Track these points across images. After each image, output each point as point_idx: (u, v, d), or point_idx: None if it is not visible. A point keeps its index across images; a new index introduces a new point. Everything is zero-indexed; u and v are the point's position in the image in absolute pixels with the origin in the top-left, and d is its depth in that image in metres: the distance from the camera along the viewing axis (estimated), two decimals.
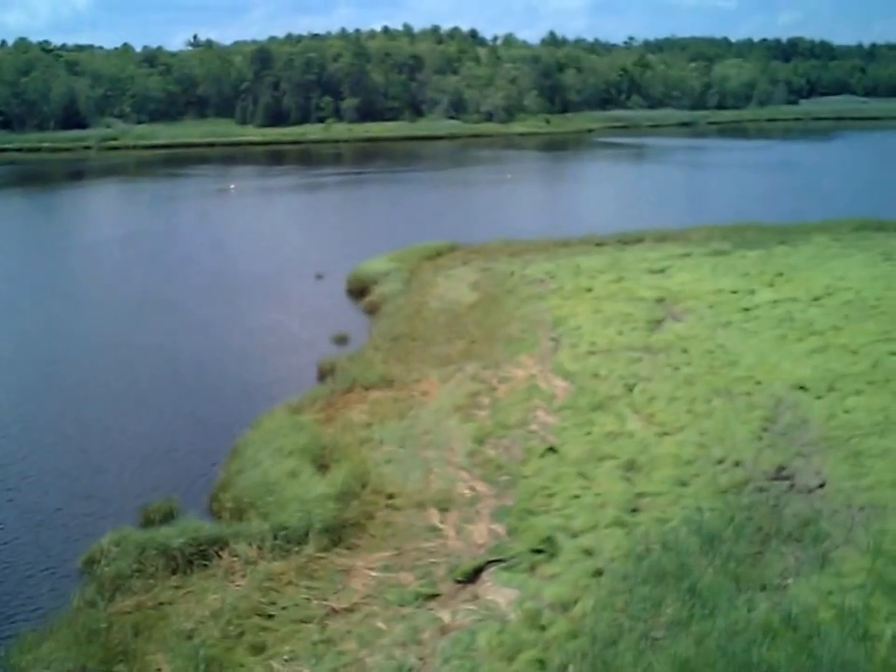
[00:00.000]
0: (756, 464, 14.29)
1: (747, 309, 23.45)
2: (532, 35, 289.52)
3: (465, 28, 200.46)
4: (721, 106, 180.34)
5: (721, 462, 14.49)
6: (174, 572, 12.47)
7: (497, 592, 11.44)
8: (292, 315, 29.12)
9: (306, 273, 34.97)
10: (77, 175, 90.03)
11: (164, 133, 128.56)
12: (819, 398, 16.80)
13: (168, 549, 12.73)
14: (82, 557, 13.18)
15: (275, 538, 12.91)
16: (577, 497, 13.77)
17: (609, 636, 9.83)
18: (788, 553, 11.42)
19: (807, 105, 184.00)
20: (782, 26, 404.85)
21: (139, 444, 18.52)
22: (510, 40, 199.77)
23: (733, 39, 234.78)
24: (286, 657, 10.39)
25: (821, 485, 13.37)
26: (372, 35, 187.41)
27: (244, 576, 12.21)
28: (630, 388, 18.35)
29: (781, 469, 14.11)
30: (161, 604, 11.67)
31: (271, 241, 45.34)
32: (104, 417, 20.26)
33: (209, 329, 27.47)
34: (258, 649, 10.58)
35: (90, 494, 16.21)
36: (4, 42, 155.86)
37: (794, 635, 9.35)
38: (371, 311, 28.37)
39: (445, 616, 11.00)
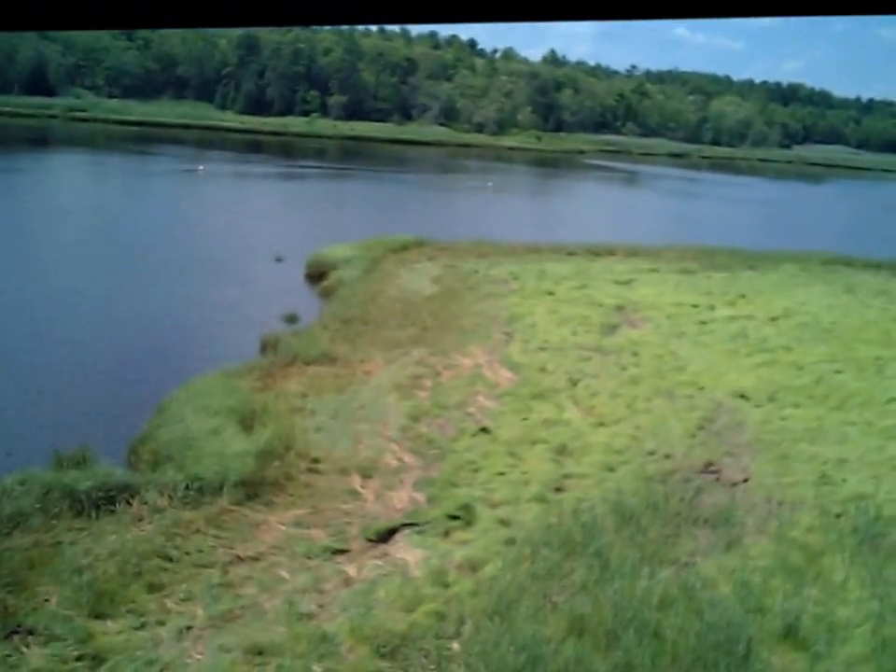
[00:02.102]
0: (686, 458, 14.76)
1: (703, 322, 24.07)
2: (534, 54, 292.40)
3: (464, 38, 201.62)
4: (715, 142, 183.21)
5: (651, 454, 14.96)
6: (78, 515, 12.50)
7: (408, 552, 11.76)
8: (245, 294, 29.37)
9: (266, 256, 35.24)
10: (38, 141, 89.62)
11: (137, 109, 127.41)
12: (758, 406, 17.35)
13: (74, 491, 12.75)
14: None
15: (188, 488, 13.00)
16: (503, 473, 14.16)
17: (510, 596, 10.16)
18: (700, 536, 11.85)
19: (801, 150, 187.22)
20: (785, 72, 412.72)
21: (62, 400, 18.63)
22: (509, 54, 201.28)
23: (735, 79, 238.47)
24: (181, 597, 10.63)
25: (745, 480, 13.87)
26: (367, 33, 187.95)
27: (150, 523, 12.41)
28: (574, 383, 18.81)
29: (709, 464, 14.59)
30: (60, 543, 11.75)
31: (234, 223, 45.54)
32: (38, 368, 20.43)
33: (156, 301, 27.56)
34: (154, 587, 10.75)
35: (5, 437, 16.40)
36: None
37: (690, 602, 9.76)
38: (327, 295, 28.73)
39: (351, 570, 11.29)
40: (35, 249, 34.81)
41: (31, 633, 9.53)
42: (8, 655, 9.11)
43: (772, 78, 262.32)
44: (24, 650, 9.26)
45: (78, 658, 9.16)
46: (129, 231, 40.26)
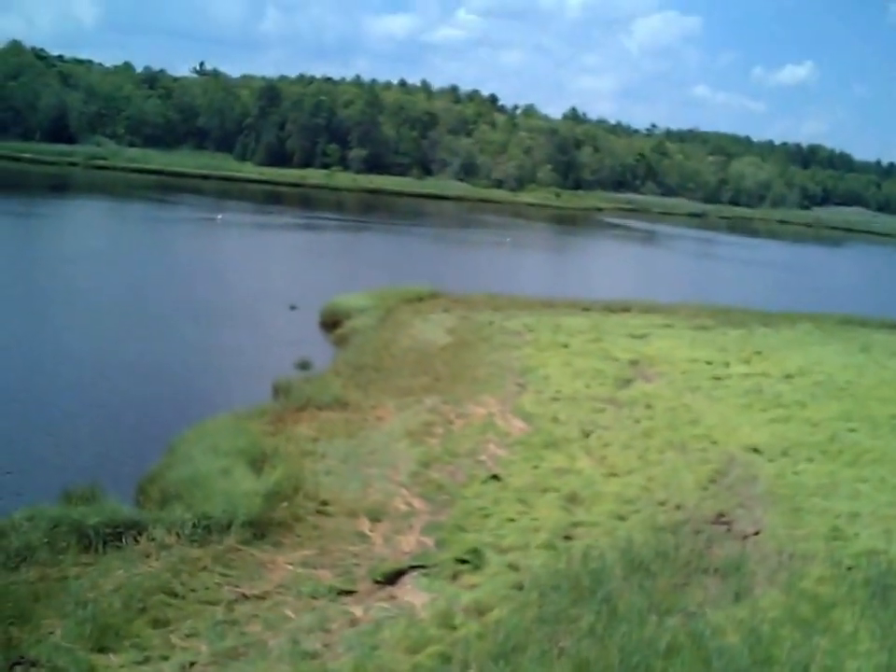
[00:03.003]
0: (697, 509, 14.78)
1: (718, 378, 24.16)
2: (555, 111, 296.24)
3: (485, 93, 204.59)
4: (734, 203, 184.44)
5: (662, 504, 15.00)
6: (85, 550, 12.60)
7: (415, 594, 11.82)
8: (258, 340, 29.71)
9: (281, 304, 35.65)
10: (58, 188, 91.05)
11: (158, 159, 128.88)
12: (771, 460, 17.37)
13: (82, 526, 12.85)
14: None
15: (195, 526, 13.10)
16: (512, 520, 14.23)
17: (517, 640, 10.18)
18: (710, 585, 11.85)
19: (820, 213, 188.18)
20: (805, 134, 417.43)
21: (74, 439, 18.89)
22: (529, 111, 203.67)
23: (755, 139, 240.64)
24: (186, 632, 10.71)
25: (756, 533, 13.87)
26: (388, 86, 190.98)
27: (157, 559, 12.51)
28: (587, 434, 18.90)
29: (721, 515, 14.60)
30: (66, 577, 11.84)
31: (250, 271, 46.12)
32: (56, 408, 20.80)
33: (170, 346, 27.88)
34: (159, 623, 10.82)
35: (12, 471, 16.61)
36: None
37: (697, 650, 9.76)
38: (341, 343, 29.01)
39: (357, 611, 11.35)
40: (52, 293, 35.32)
41: (34, 664, 9.62)
42: None
43: (792, 140, 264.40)
44: None
45: None
46: (146, 277, 40.79)
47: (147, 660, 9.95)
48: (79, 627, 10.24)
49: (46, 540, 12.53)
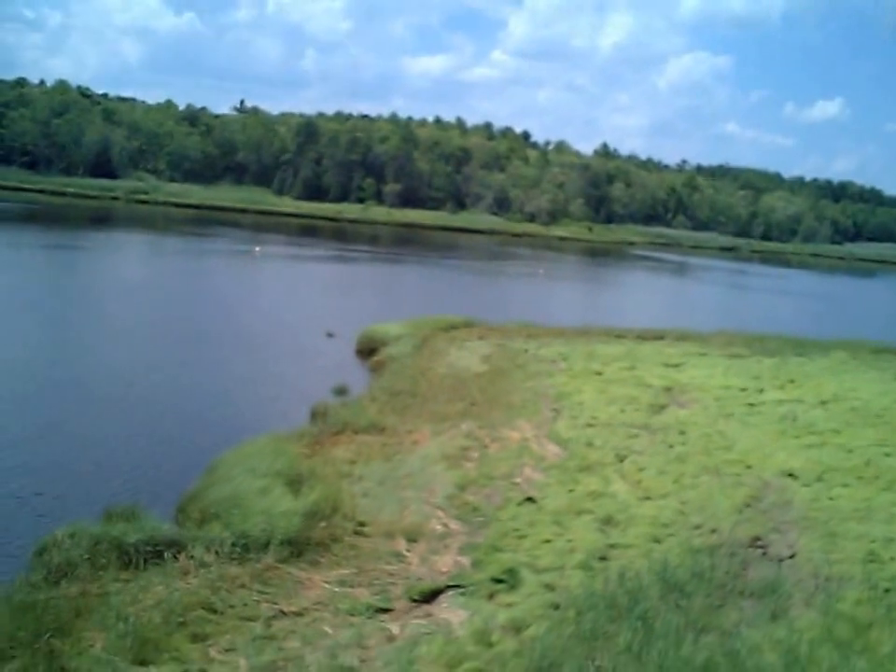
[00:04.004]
0: (732, 533, 14.57)
1: (752, 405, 23.90)
2: (586, 147, 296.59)
3: (518, 130, 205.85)
4: (765, 237, 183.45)
5: (697, 528, 14.81)
6: (125, 566, 12.70)
7: (451, 612, 11.75)
8: (296, 367, 29.93)
9: (318, 332, 35.89)
10: (100, 221, 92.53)
11: (197, 193, 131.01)
12: (806, 485, 17.10)
13: (122, 544, 12.97)
14: (34, 547, 13.40)
15: (234, 544, 13.18)
16: (548, 541, 14.12)
17: (554, 656, 10.09)
18: (746, 607, 11.68)
19: (852, 247, 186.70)
20: (835, 171, 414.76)
21: (115, 461, 19.09)
22: (561, 147, 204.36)
23: (785, 175, 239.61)
24: (225, 647, 10.72)
25: (792, 556, 13.66)
26: (423, 123, 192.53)
27: (196, 576, 12.55)
28: (621, 458, 18.75)
29: (756, 539, 14.39)
30: (107, 592, 11.92)
31: (288, 301, 46.55)
32: (100, 430, 21.14)
33: (211, 370, 28.20)
34: (198, 637, 10.87)
35: (59, 493, 16.79)
36: (42, 81, 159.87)
37: (735, 667, 9.62)
38: (377, 370, 29.12)
39: (394, 628, 11.32)
40: (97, 321, 35.82)
41: None
42: None
43: (822, 176, 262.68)
44: None
45: None
46: (186, 307, 41.27)
47: None
48: (120, 640, 10.29)
49: (87, 557, 12.65)
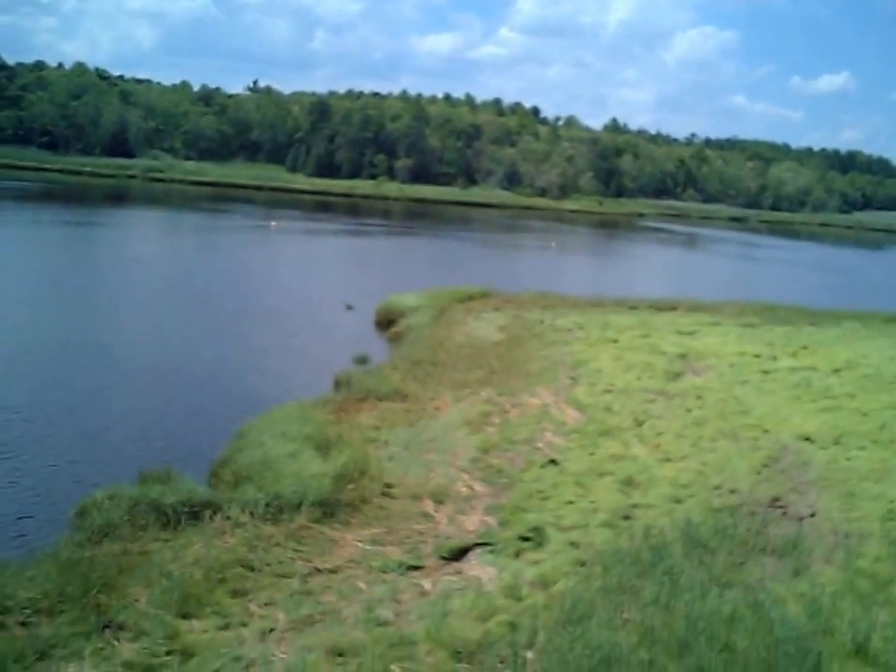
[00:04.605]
0: (751, 493, 14.70)
1: (766, 372, 23.92)
2: (595, 122, 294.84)
3: (527, 106, 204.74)
4: (774, 208, 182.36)
5: (717, 488, 14.94)
6: (164, 527, 12.95)
7: (481, 569, 11.94)
8: (317, 338, 30.10)
9: (337, 304, 36.03)
10: (117, 198, 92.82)
11: (212, 171, 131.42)
12: (823, 448, 17.17)
13: (160, 505, 13.24)
14: (74, 509, 13.69)
15: (268, 505, 13.44)
16: (571, 502, 14.29)
17: (582, 609, 10.26)
18: (768, 564, 11.81)
19: (861, 217, 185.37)
20: (843, 141, 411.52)
21: (147, 429, 19.38)
22: (571, 122, 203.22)
23: (793, 147, 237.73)
24: (264, 602, 10.94)
25: (812, 515, 13.78)
26: (433, 100, 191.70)
27: (232, 536, 12.78)
28: (640, 423, 18.88)
29: (775, 499, 14.51)
30: (147, 551, 12.19)
31: (305, 274, 46.67)
32: (129, 400, 21.42)
33: (234, 343, 28.38)
34: (237, 593, 11.10)
35: (93, 461, 17.04)
36: (61, 64, 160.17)
37: (759, 619, 9.77)
38: (396, 340, 29.29)
39: (426, 584, 11.51)
40: (120, 296, 36.00)
41: (121, 628, 9.90)
42: (102, 648, 9.45)
43: (830, 146, 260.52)
44: (115, 643, 9.60)
45: (167, 653, 9.47)
46: (207, 280, 41.42)
47: (227, 626, 10.18)
48: (163, 595, 10.52)
49: (127, 518, 12.90)
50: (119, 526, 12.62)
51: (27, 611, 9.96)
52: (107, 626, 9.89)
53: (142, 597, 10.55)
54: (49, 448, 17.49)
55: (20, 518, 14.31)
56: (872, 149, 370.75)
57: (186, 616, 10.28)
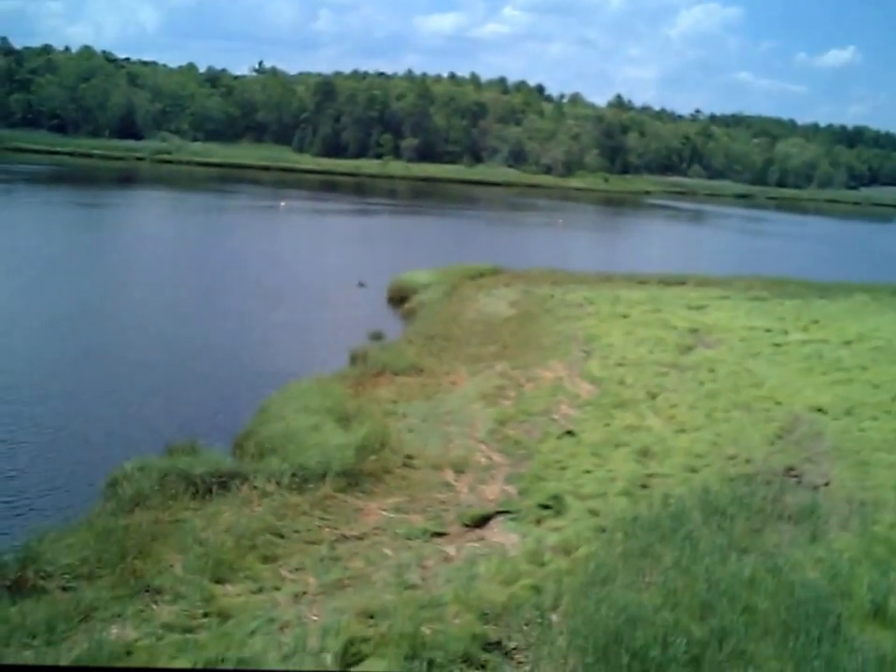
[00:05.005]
0: (766, 463, 14.91)
1: (777, 345, 24.09)
2: (600, 100, 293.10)
3: (532, 84, 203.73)
4: (780, 184, 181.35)
5: (732, 458, 15.15)
6: (193, 496, 13.23)
7: (503, 536, 12.17)
8: (331, 315, 30.33)
9: (349, 282, 36.20)
10: (126, 180, 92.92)
11: (219, 152, 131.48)
12: (835, 419, 17.37)
13: (189, 475, 13.47)
14: (105, 480, 13.98)
15: (294, 476, 13.67)
16: (589, 471, 14.51)
17: (605, 573, 10.47)
18: (785, 531, 12.01)
19: (868, 192, 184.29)
20: (850, 116, 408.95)
21: (171, 405, 19.66)
22: (576, 99, 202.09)
23: (799, 122, 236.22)
24: (294, 567, 11.17)
25: (826, 484, 13.97)
26: (438, 79, 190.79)
27: (260, 505, 13.01)
28: (653, 395, 19.07)
29: (790, 469, 14.71)
30: (178, 520, 12.45)
31: (316, 253, 46.87)
32: (150, 377, 21.68)
33: (250, 320, 28.59)
34: (268, 559, 11.33)
35: (120, 432, 17.30)
36: (68, 48, 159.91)
37: (779, 582, 9.98)
38: (409, 316, 29.49)
39: (450, 550, 11.73)
40: (136, 276, 36.24)
41: (158, 592, 10.13)
42: (141, 610, 9.69)
43: (837, 122, 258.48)
44: (154, 606, 9.84)
45: (205, 615, 9.71)
46: (220, 260, 41.61)
47: (260, 590, 10.42)
48: (197, 561, 10.76)
49: (157, 488, 13.13)
50: (149, 496, 12.86)
51: (67, 577, 10.21)
52: (145, 590, 10.13)
53: (177, 563, 10.79)
54: (76, 424, 17.76)
55: (52, 489, 14.56)
56: (879, 124, 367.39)
57: (219, 581, 10.52)
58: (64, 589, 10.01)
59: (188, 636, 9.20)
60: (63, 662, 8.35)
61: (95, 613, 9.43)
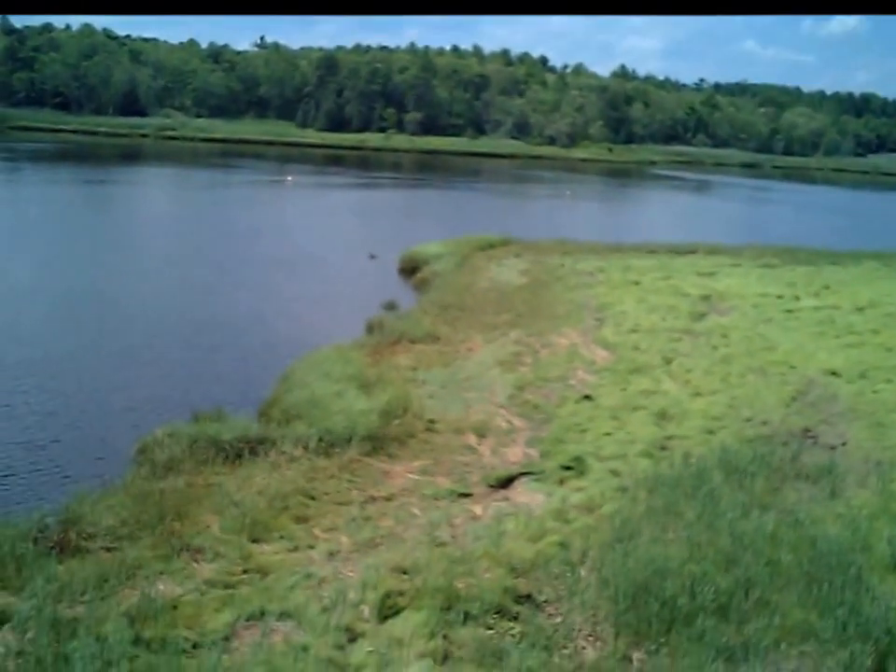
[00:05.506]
0: (783, 424, 15.15)
1: (789, 310, 24.27)
2: (603, 70, 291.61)
3: (535, 55, 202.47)
4: (787, 152, 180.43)
5: (748, 420, 15.39)
6: (224, 461, 13.55)
7: (527, 496, 12.47)
8: (345, 286, 30.54)
9: (360, 254, 36.39)
10: (131, 157, 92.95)
11: (223, 128, 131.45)
12: (849, 382, 17.55)
13: (219, 441, 13.81)
14: (136, 446, 14.32)
15: (320, 440, 13.98)
16: (608, 434, 14.78)
17: (630, 529, 10.74)
18: (804, 489, 12.26)
19: (875, 160, 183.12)
20: (856, 83, 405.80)
21: (196, 373, 20.08)
22: (579, 70, 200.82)
23: (805, 90, 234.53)
24: (326, 527, 11.46)
25: (843, 444, 14.21)
26: (441, 52, 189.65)
27: (289, 469, 13.31)
28: (668, 361, 19.29)
29: (807, 430, 14.94)
30: (211, 484, 12.76)
31: (326, 226, 46.99)
32: (172, 351, 22.01)
33: (265, 293, 28.82)
34: (301, 519, 11.62)
35: (145, 402, 17.62)
36: (68, 26, 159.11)
37: (801, 535, 10.25)
38: (421, 287, 29.69)
39: (477, 509, 12.03)
40: (151, 251, 36.49)
41: (198, 551, 10.43)
42: (183, 568, 10.00)
43: (843, 89, 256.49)
44: (195, 564, 10.16)
45: (244, 572, 10.02)
46: (231, 234, 41.76)
47: (296, 548, 10.72)
48: (234, 522, 11.07)
49: (188, 453, 13.45)
50: (181, 461, 13.20)
51: (108, 538, 10.52)
52: (185, 550, 10.43)
53: (213, 524, 11.09)
54: (102, 395, 18.09)
55: (84, 457, 14.90)
56: (886, 92, 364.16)
57: (256, 540, 10.82)
58: (107, 549, 10.31)
59: (230, 591, 9.51)
60: (114, 615, 8.68)
61: (139, 571, 9.74)
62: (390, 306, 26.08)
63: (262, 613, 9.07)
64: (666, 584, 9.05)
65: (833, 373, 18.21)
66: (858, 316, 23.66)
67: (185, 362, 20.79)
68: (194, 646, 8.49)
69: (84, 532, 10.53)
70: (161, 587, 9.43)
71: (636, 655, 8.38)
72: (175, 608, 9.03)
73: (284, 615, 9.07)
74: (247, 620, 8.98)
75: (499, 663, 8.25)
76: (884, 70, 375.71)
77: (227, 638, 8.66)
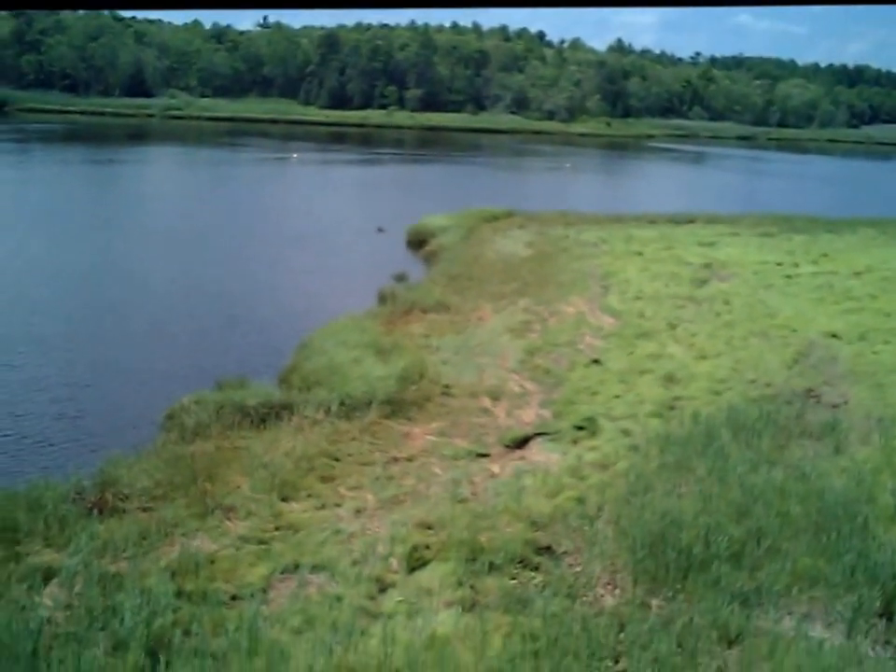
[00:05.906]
0: (786, 385, 15.35)
1: (789, 277, 24.44)
2: (600, 44, 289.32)
3: (533, 31, 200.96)
4: (782, 124, 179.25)
5: (752, 382, 15.60)
6: (249, 426, 13.74)
7: (543, 455, 12.69)
8: (354, 259, 30.64)
9: (368, 228, 36.44)
10: (138, 136, 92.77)
11: (228, 107, 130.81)
12: (849, 344, 17.77)
13: (244, 407, 14.02)
14: (164, 413, 14.54)
15: (341, 404, 14.16)
16: (618, 396, 14.99)
17: (643, 484, 10.97)
18: (809, 446, 12.48)
19: (869, 130, 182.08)
20: (850, 54, 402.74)
21: (217, 342, 20.29)
22: (576, 44, 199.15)
23: (800, 63, 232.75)
24: (351, 486, 11.68)
25: (845, 403, 14.41)
26: (440, 29, 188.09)
27: (312, 432, 13.50)
28: (673, 326, 19.47)
29: (809, 390, 15.14)
30: (239, 447, 12.97)
31: (333, 201, 47.03)
32: (191, 322, 22.23)
33: (277, 267, 28.93)
34: (326, 479, 11.85)
35: (169, 371, 17.84)
36: None
37: (808, 487, 10.47)
38: (429, 258, 29.79)
39: (495, 468, 12.25)
40: (164, 228, 36.55)
41: (231, 510, 10.65)
42: (217, 526, 10.23)
43: (837, 61, 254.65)
44: (228, 522, 10.38)
45: (276, 528, 10.25)
46: (240, 210, 41.72)
47: (323, 506, 10.94)
48: (263, 482, 11.28)
49: (214, 419, 13.65)
50: (208, 426, 13.40)
51: (144, 498, 10.74)
52: (218, 508, 10.65)
53: (243, 484, 11.31)
54: (128, 365, 18.32)
55: (114, 423, 15.14)
56: (880, 62, 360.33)
57: (285, 499, 11.04)
58: (143, 509, 10.53)
59: (263, 546, 9.75)
60: (156, 570, 8.92)
61: (176, 529, 9.96)
62: (400, 277, 26.20)
63: (296, 566, 9.31)
64: (682, 534, 9.28)
65: (834, 336, 18.42)
66: (856, 282, 23.82)
67: (204, 333, 20.98)
68: (233, 598, 8.73)
69: (120, 493, 10.75)
70: (198, 543, 9.66)
71: (653, 601, 8.61)
72: (212, 562, 9.26)
73: (317, 568, 9.31)
74: (282, 573, 9.22)
75: (524, 609, 8.48)
76: (877, 40, 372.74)
77: (264, 590, 8.91)
